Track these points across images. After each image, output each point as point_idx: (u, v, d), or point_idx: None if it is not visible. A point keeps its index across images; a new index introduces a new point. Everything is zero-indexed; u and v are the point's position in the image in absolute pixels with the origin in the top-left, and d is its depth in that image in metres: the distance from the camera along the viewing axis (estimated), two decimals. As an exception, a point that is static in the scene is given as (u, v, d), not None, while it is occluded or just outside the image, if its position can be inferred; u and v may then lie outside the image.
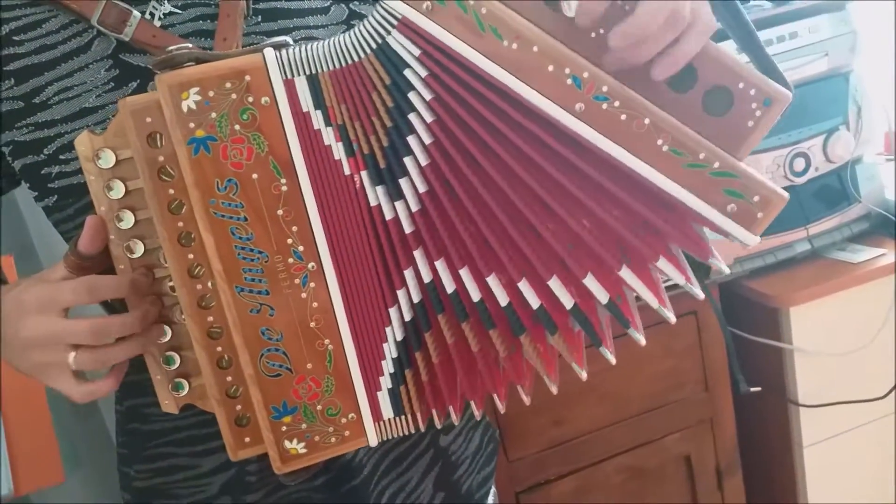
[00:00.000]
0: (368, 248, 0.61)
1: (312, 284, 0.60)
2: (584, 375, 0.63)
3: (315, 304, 0.60)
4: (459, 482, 0.86)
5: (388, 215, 0.59)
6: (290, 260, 0.59)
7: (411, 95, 0.57)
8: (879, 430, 1.54)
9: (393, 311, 0.62)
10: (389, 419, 0.65)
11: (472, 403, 0.67)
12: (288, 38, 0.60)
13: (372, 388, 0.64)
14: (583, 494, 1.48)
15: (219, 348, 0.61)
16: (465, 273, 0.60)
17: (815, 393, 1.48)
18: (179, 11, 0.70)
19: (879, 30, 1.62)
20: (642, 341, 0.62)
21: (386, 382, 0.64)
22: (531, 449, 1.44)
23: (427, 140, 0.57)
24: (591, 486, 1.48)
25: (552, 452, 1.45)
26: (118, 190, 0.59)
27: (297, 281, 0.60)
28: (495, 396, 0.66)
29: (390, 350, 0.63)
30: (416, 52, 0.56)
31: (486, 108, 0.56)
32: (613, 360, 0.63)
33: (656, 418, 1.49)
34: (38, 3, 0.68)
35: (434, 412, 0.66)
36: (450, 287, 0.60)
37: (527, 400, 0.66)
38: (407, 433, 0.67)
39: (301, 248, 0.59)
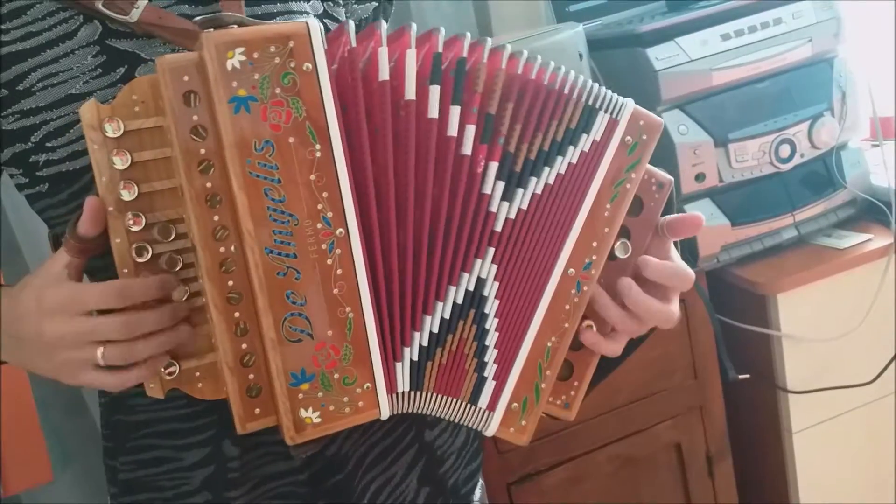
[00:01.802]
0: (448, 227, 0.64)
1: (338, 251, 0.61)
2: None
3: (339, 272, 0.61)
4: (445, 477, 0.86)
5: (493, 208, 0.65)
6: (319, 225, 0.60)
7: (584, 136, 0.67)
8: (867, 415, 1.55)
9: (451, 289, 0.65)
10: (404, 392, 0.65)
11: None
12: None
13: (389, 359, 0.64)
14: (574, 484, 1.48)
15: (236, 314, 0.61)
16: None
17: (804, 379, 1.49)
18: None
19: (864, 15, 1.62)
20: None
21: (412, 354, 0.65)
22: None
23: (561, 170, 0.67)
24: (582, 475, 1.49)
25: (543, 443, 1.45)
26: (123, 160, 0.60)
27: (323, 246, 0.60)
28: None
29: (432, 323, 0.65)
30: (621, 135, 0.68)
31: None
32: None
33: (646, 407, 1.50)
34: None
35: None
36: (487, 290, 0.67)
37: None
38: (421, 411, 0.67)
39: (330, 215, 0.60)
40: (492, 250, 0.66)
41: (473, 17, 1.77)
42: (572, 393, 0.70)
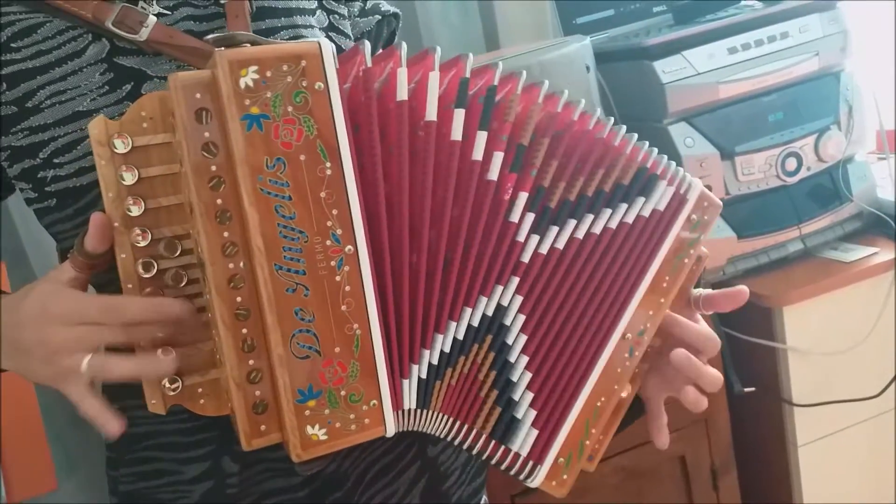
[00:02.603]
0: (467, 249, 0.65)
1: (347, 268, 0.61)
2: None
3: (348, 288, 0.61)
4: (449, 493, 0.85)
5: (520, 238, 0.65)
6: (328, 242, 0.60)
7: (647, 200, 0.69)
8: (873, 429, 1.54)
9: (467, 311, 0.65)
10: (410, 410, 0.65)
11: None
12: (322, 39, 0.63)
13: (396, 376, 0.64)
14: (578, 496, 1.47)
15: (244, 330, 0.60)
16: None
17: (809, 392, 1.48)
18: (168, 12, 0.71)
19: (870, 29, 1.62)
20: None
21: (420, 371, 0.65)
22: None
23: (611, 224, 0.68)
24: (586, 487, 1.48)
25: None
26: (132, 175, 0.60)
27: (332, 263, 0.60)
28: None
29: (444, 342, 0.65)
30: (688, 213, 0.71)
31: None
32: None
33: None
34: (36, 9, 0.68)
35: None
36: (508, 319, 0.67)
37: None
38: (431, 431, 0.67)
39: (340, 232, 0.60)
40: (516, 280, 0.66)
41: (480, 29, 1.77)
42: (597, 446, 0.72)
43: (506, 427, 0.69)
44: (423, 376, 0.65)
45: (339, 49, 0.79)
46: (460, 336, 0.66)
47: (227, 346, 0.60)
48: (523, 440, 0.69)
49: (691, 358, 0.70)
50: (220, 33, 0.60)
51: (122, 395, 0.74)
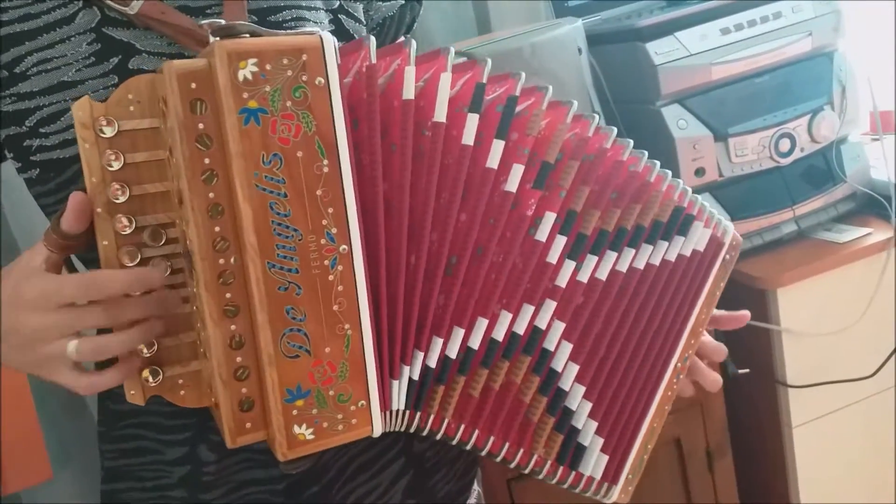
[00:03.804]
0: (479, 257, 0.65)
1: (340, 267, 0.60)
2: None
3: (340, 288, 0.60)
4: (436, 488, 0.84)
5: (551, 259, 0.66)
6: (323, 241, 0.59)
7: (677, 239, 0.72)
8: (867, 409, 1.54)
9: (481, 321, 0.66)
10: (398, 410, 0.65)
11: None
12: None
13: (385, 376, 0.63)
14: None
15: (233, 327, 0.60)
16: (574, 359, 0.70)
17: (804, 373, 1.49)
18: None
19: (863, 8, 1.61)
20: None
21: (412, 372, 0.65)
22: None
23: (654, 261, 0.70)
24: (582, 471, 1.48)
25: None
26: (119, 162, 0.59)
27: (326, 262, 0.60)
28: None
29: (447, 347, 0.65)
30: (723, 255, 0.75)
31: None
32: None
33: (646, 402, 1.49)
34: None
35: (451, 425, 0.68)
36: (551, 344, 0.68)
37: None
38: (413, 430, 0.66)
39: (335, 231, 0.59)
40: (552, 304, 0.67)
41: (472, 13, 1.76)
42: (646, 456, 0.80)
43: (574, 454, 0.72)
44: (416, 378, 0.64)
45: (348, 33, 0.78)
46: (475, 345, 0.66)
47: (215, 342, 0.59)
48: (594, 465, 0.73)
49: (698, 362, 0.79)
50: (218, 22, 0.58)
51: None
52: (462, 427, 0.68)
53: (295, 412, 0.61)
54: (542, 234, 0.65)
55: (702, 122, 1.40)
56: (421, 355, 0.64)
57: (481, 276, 0.64)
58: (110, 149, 0.59)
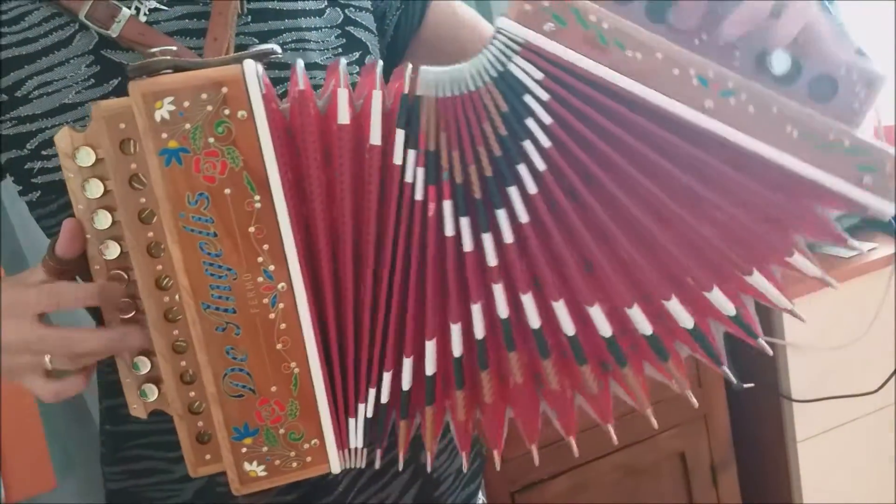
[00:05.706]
0: (417, 278, 0.58)
1: (282, 305, 0.58)
2: (695, 402, 0.65)
3: (283, 326, 0.59)
4: (441, 499, 0.84)
5: (468, 247, 0.57)
6: (260, 279, 0.58)
7: (529, 122, 0.54)
8: (873, 424, 1.54)
9: (429, 344, 0.59)
10: (357, 448, 0.63)
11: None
12: (275, 47, 0.59)
13: (341, 414, 0.62)
14: (577, 493, 1.48)
15: (183, 363, 0.60)
16: (559, 306, 0.58)
17: (808, 388, 1.48)
18: (165, 8, 0.69)
19: (868, 24, 1.62)
20: (769, 351, 0.63)
21: (367, 410, 0.62)
22: (525, 448, 1.42)
23: (541, 167, 0.55)
24: (585, 484, 1.48)
25: (546, 451, 1.42)
26: (96, 189, 0.58)
27: (265, 300, 0.58)
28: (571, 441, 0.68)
29: (401, 379, 0.60)
30: (539, 76, 0.54)
31: (611, 121, 0.54)
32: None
33: (650, 415, 1.49)
34: None
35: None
36: (535, 323, 0.58)
37: (615, 439, 0.67)
38: (372, 463, 0.65)
39: (272, 268, 0.58)
40: (497, 287, 0.57)
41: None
42: None
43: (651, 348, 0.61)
44: (370, 415, 0.62)
45: (361, 42, 0.76)
46: (430, 372, 0.60)
47: (167, 377, 0.60)
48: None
49: None
50: (170, 49, 0.56)
51: (112, 393, 0.75)
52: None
53: (244, 450, 0.60)
54: (449, 229, 0.57)
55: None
56: (373, 391, 0.61)
57: (426, 299, 0.59)
58: (90, 177, 0.58)
